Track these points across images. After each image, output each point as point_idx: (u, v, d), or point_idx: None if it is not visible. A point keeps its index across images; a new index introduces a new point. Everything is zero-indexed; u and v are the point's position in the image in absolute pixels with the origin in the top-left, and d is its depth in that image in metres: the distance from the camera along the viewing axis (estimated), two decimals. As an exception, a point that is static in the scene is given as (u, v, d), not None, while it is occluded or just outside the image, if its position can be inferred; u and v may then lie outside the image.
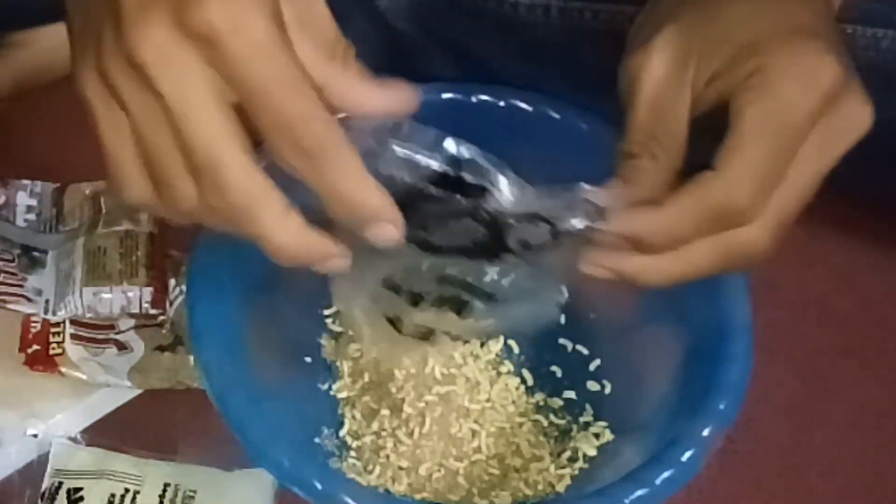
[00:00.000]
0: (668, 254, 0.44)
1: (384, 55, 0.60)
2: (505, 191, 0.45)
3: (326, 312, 0.63)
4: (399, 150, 0.43)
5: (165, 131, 0.38)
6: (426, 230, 0.45)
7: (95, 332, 0.63)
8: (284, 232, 0.40)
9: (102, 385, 0.62)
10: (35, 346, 0.62)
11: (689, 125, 0.45)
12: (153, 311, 0.64)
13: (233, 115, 0.38)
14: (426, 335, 0.50)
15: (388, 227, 0.41)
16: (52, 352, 0.62)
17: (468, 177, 0.44)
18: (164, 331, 0.64)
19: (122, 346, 0.63)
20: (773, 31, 0.44)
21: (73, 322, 0.63)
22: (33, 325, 0.63)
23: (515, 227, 0.45)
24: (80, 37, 0.41)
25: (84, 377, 0.61)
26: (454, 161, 0.44)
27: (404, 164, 0.43)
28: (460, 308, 0.49)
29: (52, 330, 0.63)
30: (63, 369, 0.61)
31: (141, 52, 0.37)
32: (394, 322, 0.50)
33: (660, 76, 0.45)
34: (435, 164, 0.44)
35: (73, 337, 0.63)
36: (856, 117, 0.44)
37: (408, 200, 0.43)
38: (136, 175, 0.40)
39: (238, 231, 0.40)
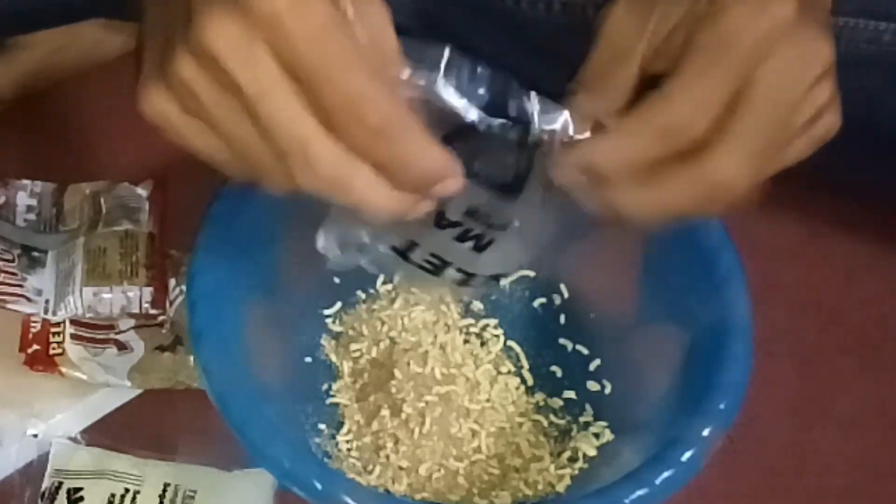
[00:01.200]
0: (641, 186, 0.44)
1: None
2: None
3: (326, 312, 0.63)
4: (444, 91, 0.45)
5: (246, 121, 0.40)
6: (470, 164, 0.45)
7: (95, 332, 0.63)
8: (378, 195, 0.41)
9: (102, 385, 0.62)
10: (35, 347, 0.62)
11: (640, 69, 0.45)
12: (153, 311, 0.64)
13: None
14: (437, 269, 0.50)
15: (451, 182, 0.42)
16: (52, 352, 0.62)
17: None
18: (163, 331, 0.64)
19: (122, 346, 0.63)
20: None
21: (73, 322, 0.63)
22: (33, 325, 0.63)
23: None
24: (148, 53, 0.42)
25: (84, 377, 0.61)
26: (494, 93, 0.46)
27: (449, 102, 0.45)
28: (479, 244, 0.48)
29: (52, 330, 0.63)
30: (63, 369, 0.61)
31: (213, 45, 0.38)
32: (403, 252, 0.50)
33: (621, 19, 0.46)
34: (479, 97, 0.46)
35: (74, 337, 0.63)
36: (815, 47, 0.44)
37: (453, 134, 0.45)
38: (236, 168, 0.42)
39: (333, 201, 0.42)
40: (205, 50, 0.39)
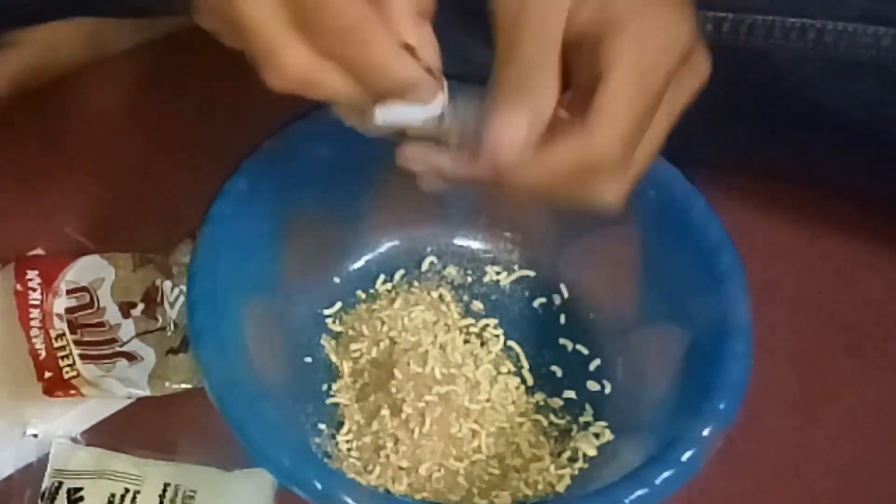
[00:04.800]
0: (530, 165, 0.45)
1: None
2: None
3: (326, 312, 0.63)
4: None
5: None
6: None
7: (100, 348, 0.63)
8: (349, 88, 0.43)
9: (125, 398, 0.61)
10: (48, 373, 0.61)
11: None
12: (150, 321, 0.64)
13: None
14: None
15: (422, 90, 0.44)
16: (66, 375, 0.61)
17: None
18: (169, 333, 0.64)
19: (131, 357, 0.63)
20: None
21: (76, 343, 0.63)
22: (39, 351, 0.62)
23: None
24: None
25: (105, 394, 0.61)
26: None
27: None
28: None
29: (60, 354, 0.62)
30: (84, 390, 0.60)
31: None
32: None
33: None
34: None
35: (83, 357, 0.62)
36: (699, 69, 0.46)
37: None
38: (290, 40, 0.43)
39: (350, 62, 0.42)
40: None
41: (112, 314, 0.64)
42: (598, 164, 0.44)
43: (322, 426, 0.59)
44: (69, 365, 0.62)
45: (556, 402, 0.61)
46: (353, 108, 0.46)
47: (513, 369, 0.61)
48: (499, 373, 0.61)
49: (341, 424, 0.59)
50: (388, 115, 0.45)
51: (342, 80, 0.43)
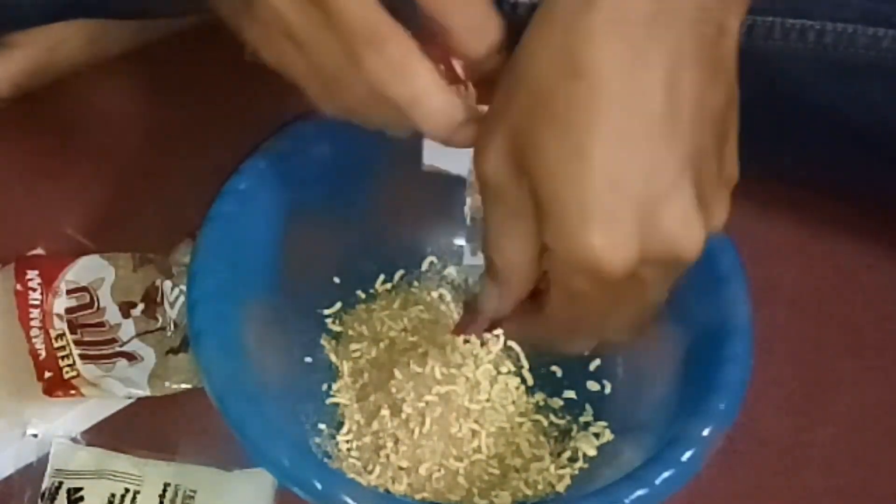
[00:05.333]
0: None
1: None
2: None
3: (326, 312, 0.63)
4: None
5: (311, 20, 0.44)
6: None
7: (100, 348, 0.63)
8: (437, 89, 0.44)
9: (125, 398, 0.62)
10: (48, 373, 0.61)
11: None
12: (150, 321, 0.64)
13: None
14: None
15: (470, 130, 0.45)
16: (66, 375, 0.61)
17: None
18: (169, 333, 0.64)
19: (131, 357, 0.63)
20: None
21: (76, 343, 0.63)
22: (38, 351, 0.62)
23: None
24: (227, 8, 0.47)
25: (105, 394, 0.61)
26: None
27: None
28: None
29: (60, 354, 0.62)
30: (84, 390, 0.61)
31: None
32: None
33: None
34: None
35: (83, 357, 0.62)
36: (677, 243, 0.43)
37: None
38: (314, 83, 0.46)
39: (389, 104, 0.44)
40: None
41: (112, 314, 0.64)
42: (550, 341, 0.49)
43: (322, 426, 0.59)
44: (69, 365, 0.62)
45: (556, 402, 0.61)
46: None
47: (513, 369, 0.61)
48: (499, 373, 0.61)
49: (341, 424, 0.59)
50: (435, 159, 0.47)
51: (435, 76, 0.44)
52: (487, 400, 0.59)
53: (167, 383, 0.62)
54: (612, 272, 0.41)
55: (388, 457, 0.57)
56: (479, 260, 0.48)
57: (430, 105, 0.44)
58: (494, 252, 0.45)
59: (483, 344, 0.61)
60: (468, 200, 0.50)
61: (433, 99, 0.44)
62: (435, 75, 0.44)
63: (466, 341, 0.61)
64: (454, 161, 0.47)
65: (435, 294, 0.64)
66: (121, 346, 0.63)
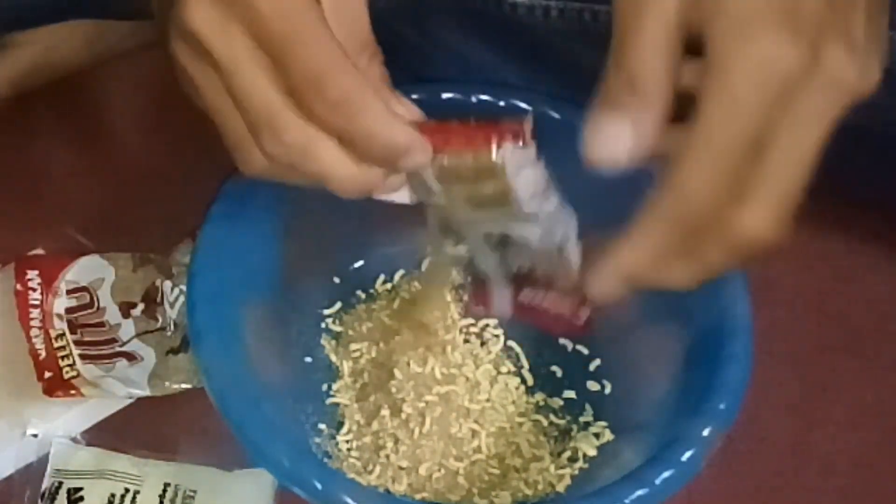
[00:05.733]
0: (678, 261, 0.43)
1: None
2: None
3: (326, 312, 0.63)
4: None
5: (223, 93, 0.44)
6: None
7: (100, 348, 0.63)
8: (343, 167, 0.44)
9: (125, 398, 0.62)
10: (48, 373, 0.61)
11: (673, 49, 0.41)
12: (150, 321, 0.64)
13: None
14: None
15: (416, 154, 0.45)
16: (66, 375, 0.61)
17: None
18: (168, 333, 0.64)
19: (131, 357, 0.63)
20: None
21: (76, 343, 0.63)
22: (38, 351, 0.62)
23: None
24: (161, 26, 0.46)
25: (105, 394, 0.61)
26: None
27: None
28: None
29: (60, 354, 0.62)
30: (84, 390, 0.61)
31: (193, 25, 0.43)
32: None
33: None
34: None
35: (83, 357, 0.62)
36: (835, 85, 0.41)
37: None
38: (224, 137, 0.46)
39: (304, 176, 0.45)
40: (187, 29, 0.43)
41: (112, 314, 0.64)
42: (694, 216, 0.41)
43: (322, 426, 0.59)
44: (69, 365, 0.62)
45: (556, 402, 0.61)
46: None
47: (513, 369, 0.61)
48: (499, 373, 0.61)
49: (341, 424, 0.59)
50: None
51: (337, 152, 0.44)
52: (487, 400, 0.59)
53: (167, 383, 0.62)
54: (789, 68, 0.40)
55: (388, 457, 0.57)
56: (461, 251, 0.50)
57: (338, 180, 0.44)
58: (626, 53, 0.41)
59: (483, 344, 0.62)
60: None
61: (340, 173, 0.44)
62: (338, 152, 0.44)
63: (466, 341, 0.61)
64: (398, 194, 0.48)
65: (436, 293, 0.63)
66: (121, 346, 0.63)
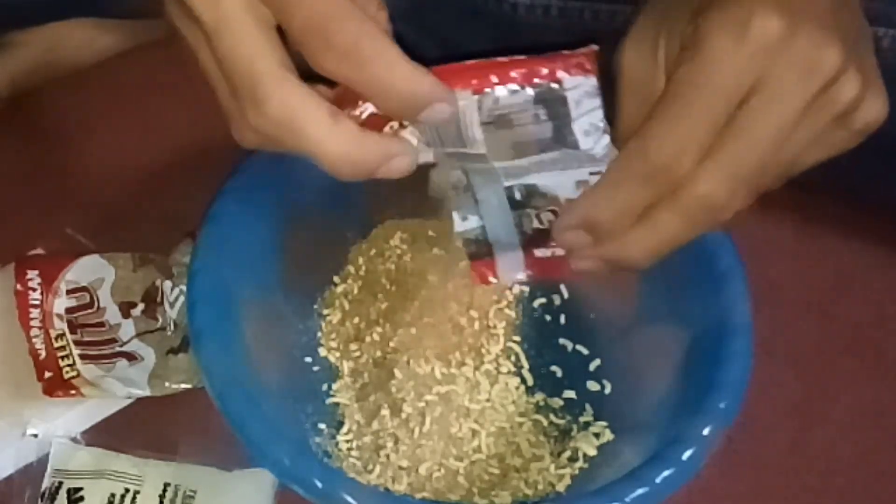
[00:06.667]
0: (636, 228, 0.44)
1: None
2: None
3: (326, 312, 0.63)
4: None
5: (210, 56, 0.41)
6: None
7: (100, 348, 0.63)
8: (335, 141, 0.41)
9: (125, 398, 0.62)
10: (48, 373, 0.61)
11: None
12: (150, 321, 0.64)
13: (272, 34, 0.40)
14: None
15: (442, 106, 0.41)
16: (66, 375, 0.61)
17: None
18: (169, 333, 0.64)
19: (131, 357, 0.63)
20: None
21: (76, 343, 0.63)
22: (38, 351, 0.62)
23: None
24: None
25: (105, 394, 0.61)
26: None
27: None
28: None
29: (60, 354, 0.62)
30: (84, 390, 0.61)
31: None
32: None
33: (634, 62, 0.44)
34: None
35: (83, 357, 0.62)
36: (811, 57, 0.41)
37: None
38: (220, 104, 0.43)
39: (290, 150, 0.41)
40: None
41: (112, 314, 0.64)
42: (655, 165, 0.42)
43: (322, 426, 0.59)
44: (69, 365, 0.62)
45: (556, 402, 0.61)
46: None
47: (513, 369, 0.61)
48: (499, 373, 0.61)
49: (341, 424, 0.59)
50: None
51: (327, 126, 0.40)
52: (487, 400, 0.59)
53: (167, 383, 0.62)
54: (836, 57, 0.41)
55: (388, 456, 0.57)
56: (471, 224, 0.47)
57: (330, 159, 0.41)
58: None
59: (483, 345, 0.62)
60: (431, 176, 0.49)
61: (332, 151, 0.41)
62: (325, 127, 0.40)
63: (463, 349, 0.61)
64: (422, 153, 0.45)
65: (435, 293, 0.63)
66: (121, 346, 0.63)
